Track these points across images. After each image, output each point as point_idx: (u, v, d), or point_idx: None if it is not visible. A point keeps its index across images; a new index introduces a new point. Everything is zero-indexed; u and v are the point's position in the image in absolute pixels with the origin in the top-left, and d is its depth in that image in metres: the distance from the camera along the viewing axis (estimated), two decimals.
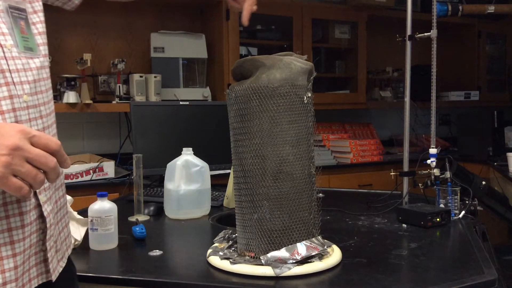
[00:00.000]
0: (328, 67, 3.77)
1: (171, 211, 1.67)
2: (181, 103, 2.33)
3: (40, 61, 0.84)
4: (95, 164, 2.60)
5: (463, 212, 1.57)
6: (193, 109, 2.26)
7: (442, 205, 1.59)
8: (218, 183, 2.10)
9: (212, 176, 1.76)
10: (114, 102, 2.94)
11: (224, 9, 3.11)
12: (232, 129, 1.13)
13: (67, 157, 0.75)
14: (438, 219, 1.46)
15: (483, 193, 2.10)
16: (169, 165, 1.69)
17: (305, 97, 1.09)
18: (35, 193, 0.79)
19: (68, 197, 1.29)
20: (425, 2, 3.82)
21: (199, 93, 3.12)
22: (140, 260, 1.22)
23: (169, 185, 1.66)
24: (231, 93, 1.11)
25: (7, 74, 0.76)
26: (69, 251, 0.95)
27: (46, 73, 0.86)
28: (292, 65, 1.08)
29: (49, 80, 0.89)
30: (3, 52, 0.76)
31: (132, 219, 1.57)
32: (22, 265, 0.77)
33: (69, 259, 0.97)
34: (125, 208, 1.74)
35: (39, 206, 0.80)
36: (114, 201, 1.34)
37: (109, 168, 2.64)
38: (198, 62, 3.18)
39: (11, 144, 0.66)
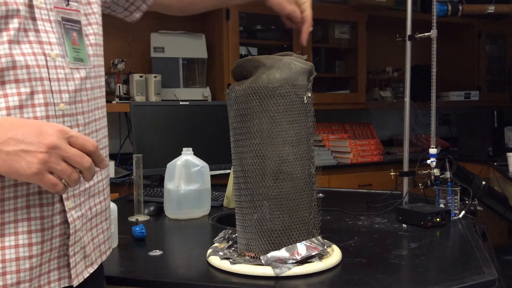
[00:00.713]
0: (328, 67, 3.77)
1: (171, 211, 1.67)
2: (181, 103, 2.33)
3: (86, 71, 0.86)
4: None
5: (463, 212, 1.57)
6: (193, 109, 2.26)
7: (442, 205, 1.59)
8: (218, 183, 2.10)
9: (212, 176, 1.76)
10: (114, 102, 2.94)
11: (224, 9, 3.11)
12: (232, 129, 1.13)
13: (104, 158, 0.78)
14: (438, 219, 1.46)
15: (483, 193, 2.10)
16: (169, 165, 1.69)
17: (305, 97, 1.09)
18: (61, 199, 0.80)
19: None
20: (425, 2, 3.82)
21: (199, 93, 3.13)
22: (140, 260, 1.22)
23: (169, 185, 1.66)
24: (231, 93, 1.11)
25: (46, 82, 0.78)
26: (103, 257, 0.96)
27: (91, 83, 0.88)
28: (292, 65, 1.08)
29: (96, 90, 0.90)
30: (46, 61, 0.79)
31: (132, 219, 1.57)
32: (39, 267, 0.78)
33: (101, 268, 0.98)
34: (125, 208, 1.74)
35: (64, 211, 0.81)
36: (114, 201, 1.34)
37: (109, 168, 2.63)
38: (198, 62, 3.18)
39: (49, 142, 0.70)
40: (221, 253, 1.14)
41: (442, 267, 1.12)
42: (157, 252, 1.25)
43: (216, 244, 1.22)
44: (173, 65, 3.09)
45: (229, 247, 1.18)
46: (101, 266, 0.99)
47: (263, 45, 3.49)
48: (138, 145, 2.08)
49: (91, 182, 0.89)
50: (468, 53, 4.18)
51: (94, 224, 0.90)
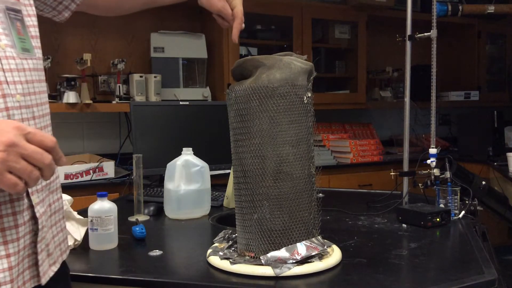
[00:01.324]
0: (328, 67, 3.77)
1: (171, 211, 1.67)
2: (181, 103, 2.33)
3: (33, 63, 0.84)
4: (95, 164, 2.60)
5: (463, 212, 1.57)
6: (193, 109, 2.26)
7: (442, 205, 1.59)
8: (218, 183, 2.10)
9: (212, 176, 1.76)
10: (114, 102, 2.94)
11: None
12: (232, 129, 1.13)
13: (62, 154, 0.75)
14: (438, 219, 1.46)
15: (483, 193, 2.11)
16: (169, 165, 1.69)
17: (305, 97, 1.09)
18: (27, 194, 0.79)
19: (68, 197, 1.29)
20: (425, 2, 3.82)
21: (199, 93, 3.13)
22: (140, 260, 1.22)
23: (169, 185, 1.66)
24: (231, 93, 1.11)
25: (0, 73, 0.76)
26: (64, 256, 0.94)
27: (39, 75, 0.87)
28: (292, 65, 1.08)
29: (44, 83, 0.89)
30: None
31: (132, 219, 1.57)
32: (17, 266, 0.76)
33: (64, 264, 0.96)
34: (125, 208, 1.74)
35: (31, 207, 0.79)
36: (114, 201, 1.34)
37: (109, 168, 2.64)
38: (198, 62, 3.18)
39: (6, 140, 0.67)
40: (221, 253, 1.14)
41: (442, 267, 1.12)
42: (157, 252, 1.25)
43: (216, 244, 1.22)
44: (173, 65, 3.09)
45: (229, 247, 1.18)
46: (66, 266, 0.97)
47: (263, 45, 3.49)
48: (138, 145, 2.08)
49: (52, 178, 0.87)
50: (468, 53, 4.18)
51: (54, 221, 0.89)
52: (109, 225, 1.28)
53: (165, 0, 1.28)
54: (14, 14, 0.82)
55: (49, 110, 0.90)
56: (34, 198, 0.80)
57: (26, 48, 0.83)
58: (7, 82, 0.77)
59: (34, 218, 0.80)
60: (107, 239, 1.29)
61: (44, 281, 0.83)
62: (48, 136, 0.71)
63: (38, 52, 0.88)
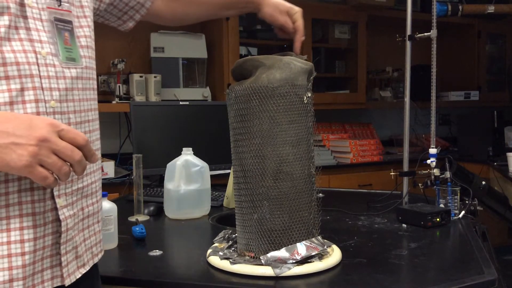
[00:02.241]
0: (328, 67, 3.77)
1: (171, 211, 1.67)
2: (181, 103, 2.33)
3: (78, 71, 0.87)
4: None
5: (463, 212, 1.57)
6: (193, 109, 2.26)
7: (442, 205, 1.59)
8: (218, 183, 2.10)
9: (212, 176, 1.76)
10: (114, 102, 2.94)
11: None
12: (232, 129, 1.13)
13: (95, 152, 0.78)
14: (438, 219, 1.46)
15: (483, 193, 2.11)
16: (169, 165, 1.69)
17: (305, 97, 1.09)
18: (52, 196, 0.81)
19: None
20: (425, 2, 3.82)
21: (199, 93, 3.13)
22: (140, 260, 1.22)
23: (169, 185, 1.66)
24: (231, 93, 1.11)
25: (36, 79, 0.79)
26: (95, 259, 0.95)
27: (84, 84, 0.89)
28: (292, 65, 1.08)
29: (90, 92, 0.92)
30: (36, 58, 0.80)
31: (132, 219, 1.57)
32: (32, 264, 0.78)
33: (95, 269, 0.98)
34: (125, 208, 1.74)
35: (55, 209, 0.81)
36: (114, 201, 1.34)
37: (109, 168, 2.64)
38: (198, 62, 3.18)
39: (39, 135, 0.70)
40: (221, 253, 1.14)
41: (442, 267, 1.12)
42: (157, 252, 1.25)
43: (216, 244, 1.22)
44: (173, 65, 3.09)
45: (229, 247, 1.18)
46: (96, 268, 0.99)
47: (263, 45, 3.49)
48: (138, 145, 2.08)
49: (85, 183, 0.89)
50: (468, 53, 4.18)
51: (86, 225, 0.91)
52: (109, 225, 1.28)
53: (229, 12, 1.33)
54: (63, 25, 0.86)
55: (93, 117, 0.93)
56: (61, 201, 0.82)
57: (71, 57, 0.86)
58: (42, 88, 0.80)
59: (59, 220, 0.82)
60: (107, 239, 1.28)
61: (68, 282, 0.84)
62: (80, 134, 0.75)
63: (87, 62, 0.91)
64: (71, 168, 0.74)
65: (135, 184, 1.65)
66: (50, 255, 0.82)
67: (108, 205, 1.29)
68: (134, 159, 1.67)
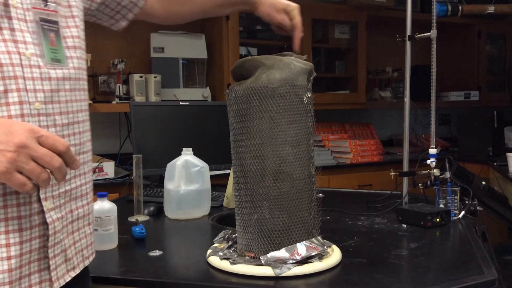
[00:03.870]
0: (328, 67, 3.77)
1: (171, 211, 1.67)
2: (181, 103, 2.33)
3: (63, 72, 0.86)
4: (95, 164, 2.60)
5: (463, 212, 1.57)
6: (193, 109, 2.26)
7: (442, 205, 1.59)
8: (218, 183, 2.10)
9: (212, 176, 1.76)
10: (114, 102, 2.94)
11: None
12: (232, 129, 1.13)
13: (76, 158, 0.77)
14: (438, 219, 1.46)
15: (483, 193, 2.10)
16: (169, 165, 1.69)
17: (305, 97, 1.10)
18: (39, 199, 0.80)
19: None
20: (425, 2, 3.82)
21: (199, 93, 3.13)
22: (140, 260, 1.22)
23: (169, 185, 1.66)
24: (231, 93, 1.11)
25: (20, 80, 0.78)
26: (86, 262, 0.94)
27: (71, 85, 0.88)
28: (292, 65, 1.08)
29: (78, 93, 0.90)
30: (20, 59, 0.79)
31: (132, 219, 1.57)
32: (19, 268, 0.77)
33: (86, 271, 0.97)
34: (125, 208, 1.74)
35: (42, 212, 0.80)
36: (114, 201, 1.34)
37: (109, 168, 2.64)
38: (198, 62, 3.18)
39: (18, 141, 0.69)
40: (221, 253, 1.14)
41: (442, 267, 1.12)
42: (157, 252, 1.25)
43: (216, 244, 1.22)
44: (173, 65, 3.09)
45: (229, 247, 1.18)
46: (86, 271, 0.98)
47: (263, 45, 3.49)
48: (138, 145, 2.08)
49: (73, 185, 0.88)
50: (468, 53, 4.18)
51: (76, 227, 0.89)
52: (109, 225, 1.28)
53: (225, 11, 1.31)
54: (49, 25, 0.85)
55: (82, 119, 0.91)
56: (47, 204, 0.81)
57: (56, 58, 0.85)
58: (26, 90, 0.79)
59: (46, 223, 0.81)
60: (107, 239, 1.29)
61: (57, 285, 0.83)
62: (60, 140, 0.74)
63: (74, 62, 0.89)
64: (50, 175, 0.73)
65: (135, 184, 1.65)
66: (38, 259, 0.81)
67: (108, 205, 1.29)
68: (134, 159, 1.67)
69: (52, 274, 0.82)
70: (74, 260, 0.89)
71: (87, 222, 0.94)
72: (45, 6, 0.85)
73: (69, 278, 0.87)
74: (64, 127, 0.86)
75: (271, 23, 1.26)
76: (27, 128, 0.71)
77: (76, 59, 0.90)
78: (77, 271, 0.90)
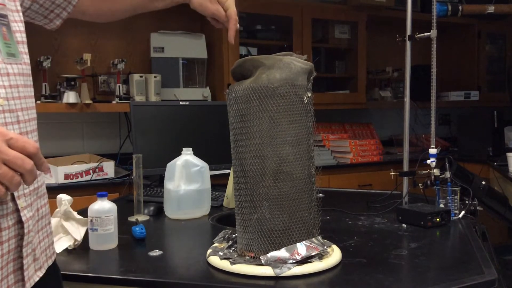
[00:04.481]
0: (328, 67, 3.77)
1: (171, 211, 1.67)
2: (181, 103, 2.33)
3: (19, 68, 0.84)
4: (95, 164, 2.60)
5: (463, 212, 1.57)
6: (193, 109, 2.26)
7: (442, 205, 1.59)
8: (218, 183, 2.10)
9: (212, 176, 1.76)
10: (114, 102, 2.94)
11: None
12: (232, 129, 1.13)
13: (45, 160, 0.75)
14: (438, 219, 1.46)
15: (483, 193, 2.10)
16: (169, 165, 1.69)
17: (305, 97, 1.09)
18: (13, 198, 0.79)
19: (68, 197, 1.29)
20: (425, 2, 3.82)
21: (199, 93, 3.13)
22: (140, 260, 1.22)
23: (169, 185, 1.66)
24: (231, 93, 1.11)
25: None
26: (49, 262, 0.93)
27: (25, 80, 0.86)
28: (292, 65, 1.08)
29: (30, 89, 0.89)
30: None
31: (132, 219, 1.57)
32: (1, 270, 0.76)
33: (54, 269, 0.96)
34: (125, 208, 1.74)
35: (17, 211, 0.79)
36: (114, 201, 1.34)
37: (109, 168, 2.64)
38: (198, 62, 3.18)
39: None
40: (221, 253, 1.14)
41: (442, 267, 1.12)
42: (157, 252, 1.25)
43: (216, 244, 1.22)
44: (173, 65, 3.09)
45: (229, 247, 1.18)
46: (55, 271, 0.97)
47: (263, 45, 3.49)
48: (138, 145, 2.08)
49: (39, 183, 0.87)
50: (468, 53, 4.18)
51: (40, 226, 0.88)
52: (109, 225, 1.28)
53: (156, 5, 1.26)
54: (0, 20, 0.83)
55: (35, 115, 0.90)
56: (21, 202, 0.80)
57: (11, 53, 0.83)
58: None
59: (20, 222, 0.80)
60: (107, 239, 1.29)
61: (29, 286, 0.82)
62: (30, 142, 0.72)
63: (25, 58, 0.88)
64: (21, 178, 0.71)
65: (135, 184, 1.65)
66: (13, 259, 0.79)
67: (108, 205, 1.29)
68: (134, 159, 1.67)
69: (25, 274, 0.81)
70: (40, 260, 0.88)
71: (48, 221, 0.93)
72: None
73: (37, 278, 0.86)
74: (27, 123, 0.85)
75: (205, 14, 1.20)
76: None
77: (25, 54, 0.88)
78: (43, 271, 0.89)
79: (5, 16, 0.84)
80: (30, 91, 0.89)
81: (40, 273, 0.88)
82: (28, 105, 0.86)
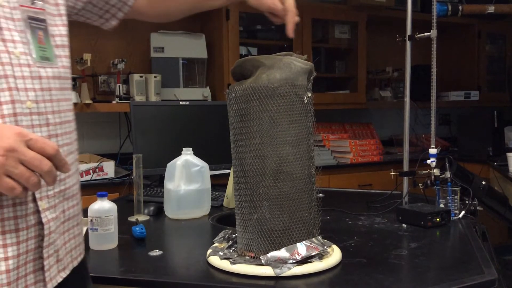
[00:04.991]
0: (328, 67, 3.77)
1: (171, 211, 1.67)
2: (181, 103, 2.33)
3: (53, 71, 0.86)
4: (95, 164, 2.60)
5: (463, 212, 1.57)
6: (193, 109, 2.26)
7: (442, 205, 1.59)
8: (218, 183, 2.10)
9: (212, 176, 1.76)
10: (114, 102, 2.94)
11: (224, 9, 3.11)
12: (232, 129, 1.13)
13: (66, 161, 0.76)
14: (438, 219, 1.46)
15: (483, 193, 2.10)
16: (169, 165, 1.69)
17: (305, 97, 1.09)
18: (34, 199, 0.79)
19: None
20: (425, 2, 3.82)
21: (199, 93, 3.13)
22: (140, 260, 1.22)
23: (169, 185, 1.66)
24: (231, 93, 1.11)
25: (11, 79, 0.78)
26: (75, 263, 0.94)
27: (61, 83, 0.87)
28: (292, 65, 1.08)
29: (67, 92, 0.90)
30: (10, 58, 0.78)
31: (132, 219, 1.57)
32: (17, 269, 0.77)
33: (80, 270, 0.96)
34: (125, 208, 1.74)
35: (38, 212, 0.80)
36: (114, 201, 1.34)
37: (109, 168, 2.64)
38: (198, 62, 3.18)
39: (6, 145, 0.69)
40: (221, 253, 1.14)
41: (442, 267, 1.12)
42: (157, 252, 1.25)
43: (216, 244, 1.22)
44: (173, 65, 3.09)
45: (229, 247, 1.18)
46: (83, 270, 0.97)
47: (263, 45, 3.49)
48: (138, 145, 2.08)
49: (67, 185, 0.88)
50: (468, 53, 4.18)
51: (66, 228, 0.89)
52: (109, 225, 1.28)
53: (213, 3, 1.25)
54: (37, 24, 0.84)
55: (71, 118, 0.91)
56: (43, 204, 0.81)
57: (46, 56, 0.85)
58: (17, 89, 0.78)
59: (41, 223, 0.80)
60: (107, 239, 1.29)
61: (50, 286, 0.83)
62: (49, 143, 0.73)
63: (63, 61, 0.89)
64: (40, 178, 0.72)
65: (135, 184, 1.65)
66: (33, 259, 0.80)
67: (108, 205, 1.29)
68: (134, 159, 1.67)
69: (46, 274, 0.82)
70: (65, 261, 0.89)
71: (76, 223, 0.93)
72: (32, 4, 0.84)
73: (61, 279, 0.87)
74: (57, 126, 0.86)
75: (261, 9, 1.18)
76: (16, 131, 0.70)
77: (64, 57, 0.90)
78: (67, 272, 0.89)
79: (43, 21, 0.86)
80: (65, 94, 0.90)
81: (64, 274, 0.88)
82: (60, 108, 0.87)
